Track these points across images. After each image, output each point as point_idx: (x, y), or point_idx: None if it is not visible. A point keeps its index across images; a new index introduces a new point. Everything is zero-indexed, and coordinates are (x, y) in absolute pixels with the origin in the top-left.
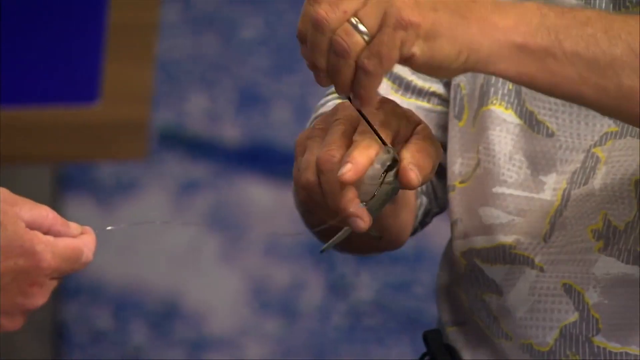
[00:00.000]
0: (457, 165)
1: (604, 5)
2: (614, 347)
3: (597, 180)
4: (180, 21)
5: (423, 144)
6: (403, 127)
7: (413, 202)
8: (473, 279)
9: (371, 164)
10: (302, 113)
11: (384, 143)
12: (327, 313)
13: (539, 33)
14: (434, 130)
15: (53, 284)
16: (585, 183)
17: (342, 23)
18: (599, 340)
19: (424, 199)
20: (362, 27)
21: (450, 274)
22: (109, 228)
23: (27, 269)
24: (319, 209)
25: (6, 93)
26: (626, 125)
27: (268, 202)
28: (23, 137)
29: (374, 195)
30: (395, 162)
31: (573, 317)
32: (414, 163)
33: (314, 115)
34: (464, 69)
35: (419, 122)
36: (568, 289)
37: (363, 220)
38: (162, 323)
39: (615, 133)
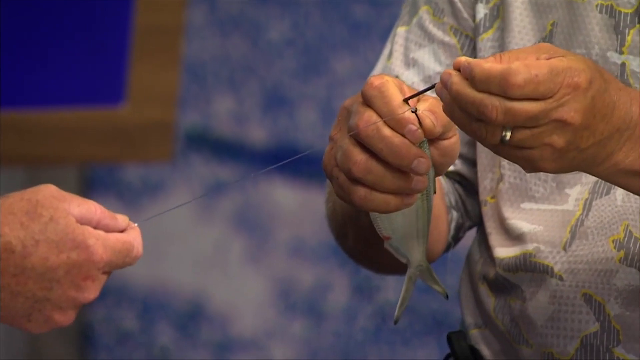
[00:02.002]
0: (487, 181)
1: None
2: (631, 359)
3: (620, 191)
4: (206, 23)
5: (430, 103)
6: None
7: (444, 215)
8: (500, 284)
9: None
10: (328, 115)
11: None
12: (352, 315)
13: None
14: (461, 147)
15: (104, 278)
16: (607, 193)
17: (503, 123)
18: (619, 351)
19: (455, 213)
20: (506, 136)
21: (473, 277)
22: (140, 221)
23: (79, 263)
24: (362, 229)
25: (33, 95)
26: None
27: (294, 203)
28: (49, 139)
29: None
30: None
31: (594, 327)
32: (428, 110)
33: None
34: None
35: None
36: (588, 299)
37: (424, 158)
38: (187, 324)
39: None
